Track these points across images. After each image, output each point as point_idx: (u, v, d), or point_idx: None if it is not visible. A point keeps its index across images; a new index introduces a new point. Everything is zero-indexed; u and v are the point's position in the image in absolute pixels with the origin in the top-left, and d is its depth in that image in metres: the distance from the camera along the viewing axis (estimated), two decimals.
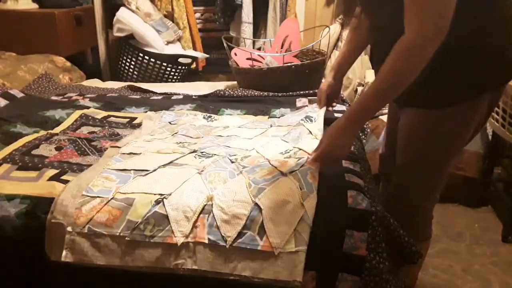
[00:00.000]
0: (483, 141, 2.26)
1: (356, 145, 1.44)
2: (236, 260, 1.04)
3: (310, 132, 1.44)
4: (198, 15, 3.07)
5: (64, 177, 1.22)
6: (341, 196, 1.10)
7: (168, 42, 2.84)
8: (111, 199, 1.10)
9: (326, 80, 1.45)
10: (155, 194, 1.11)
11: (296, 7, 2.92)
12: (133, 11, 2.75)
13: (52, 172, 1.24)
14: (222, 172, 1.20)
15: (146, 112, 1.83)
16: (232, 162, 1.27)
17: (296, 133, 1.45)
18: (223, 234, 1.05)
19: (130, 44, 2.76)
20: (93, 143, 1.47)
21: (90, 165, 1.31)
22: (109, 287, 1.15)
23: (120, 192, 1.12)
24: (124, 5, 2.76)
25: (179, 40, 2.94)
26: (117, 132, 1.59)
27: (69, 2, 2.82)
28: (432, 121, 1.13)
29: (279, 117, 1.71)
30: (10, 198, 1.13)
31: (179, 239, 1.05)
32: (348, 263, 1.06)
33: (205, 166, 1.23)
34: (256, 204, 1.07)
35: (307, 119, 1.51)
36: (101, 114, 1.78)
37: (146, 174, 1.19)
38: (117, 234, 1.07)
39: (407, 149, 1.22)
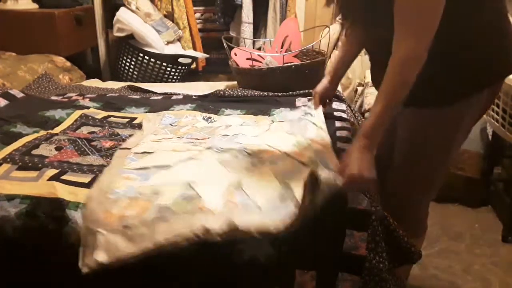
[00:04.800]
0: (483, 141, 2.26)
1: None
2: (270, 220, 1.02)
3: (314, 124, 1.45)
4: (198, 15, 3.07)
5: (64, 177, 1.21)
6: (341, 196, 1.10)
7: (168, 42, 2.84)
8: (138, 194, 1.10)
9: (322, 83, 1.49)
10: (182, 184, 1.11)
11: (296, 7, 2.92)
12: (133, 11, 2.75)
13: (52, 172, 1.24)
14: (244, 163, 1.22)
15: (146, 112, 1.84)
16: (250, 154, 1.28)
17: (300, 126, 1.46)
18: (256, 204, 1.05)
19: (130, 44, 2.76)
20: (93, 143, 1.47)
21: (90, 165, 1.31)
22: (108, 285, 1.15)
23: (146, 185, 1.12)
24: (124, 5, 2.76)
25: (179, 40, 2.94)
26: (117, 132, 1.59)
27: (69, 2, 2.83)
28: (430, 119, 1.14)
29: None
30: (10, 198, 1.13)
31: (211, 207, 1.05)
32: (348, 263, 1.06)
33: (224, 159, 1.25)
34: (284, 183, 1.09)
35: (306, 115, 1.52)
36: (101, 114, 1.79)
37: (168, 169, 1.19)
38: (149, 219, 1.04)
39: (406, 147, 1.22)
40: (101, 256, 1.02)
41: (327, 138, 1.36)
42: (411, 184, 1.25)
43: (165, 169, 1.19)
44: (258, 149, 1.31)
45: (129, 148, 1.38)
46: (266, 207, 1.04)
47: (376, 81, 1.24)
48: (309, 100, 1.87)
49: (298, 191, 1.05)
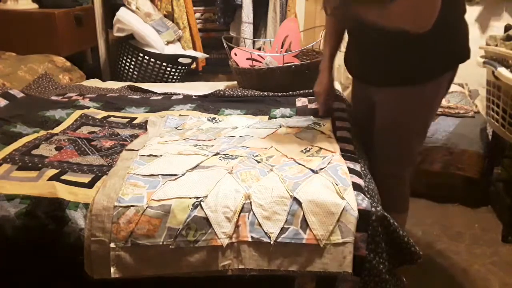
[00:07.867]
0: (483, 141, 2.26)
1: (357, 145, 1.44)
2: (282, 256, 1.05)
3: (323, 133, 1.45)
4: (198, 15, 3.07)
5: (64, 177, 1.21)
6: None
7: (168, 42, 2.84)
8: (147, 207, 1.08)
9: (322, 82, 1.55)
10: (190, 198, 1.09)
11: (296, 7, 2.92)
12: (133, 11, 2.75)
13: (52, 172, 1.24)
14: (253, 170, 1.20)
15: (146, 112, 1.84)
16: (258, 162, 1.27)
17: (309, 133, 1.46)
18: (265, 231, 1.05)
19: (130, 44, 2.76)
20: (93, 143, 1.47)
21: (90, 165, 1.31)
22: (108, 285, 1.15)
23: (154, 200, 1.09)
24: (124, 5, 2.76)
25: (179, 40, 2.94)
26: (117, 132, 1.59)
27: (69, 2, 2.82)
28: (410, 96, 1.29)
29: (278, 117, 1.71)
30: (10, 198, 1.13)
31: (223, 241, 1.05)
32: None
33: (233, 166, 1.22)
34: (295, 198, 1.07)
35: (315, 125, 1.52)
36: (101, 114, 1.78)
37: (176, 178, 1.17)
38: (160, 243, 1.06)
39: (387, 123, 1.36)
40: (115, 272, 1.06)
41: (336, 145, 1.36)
42: (393, 158, 1.40)
43: (172, 179, 1.16)
44: (266, 154, 1.31)
45: (135, 150, 1.37)
46: (276, 233, 1.05)
47: (349, 63, 1.48)
48: (309, 101, 1.87)
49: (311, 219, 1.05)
